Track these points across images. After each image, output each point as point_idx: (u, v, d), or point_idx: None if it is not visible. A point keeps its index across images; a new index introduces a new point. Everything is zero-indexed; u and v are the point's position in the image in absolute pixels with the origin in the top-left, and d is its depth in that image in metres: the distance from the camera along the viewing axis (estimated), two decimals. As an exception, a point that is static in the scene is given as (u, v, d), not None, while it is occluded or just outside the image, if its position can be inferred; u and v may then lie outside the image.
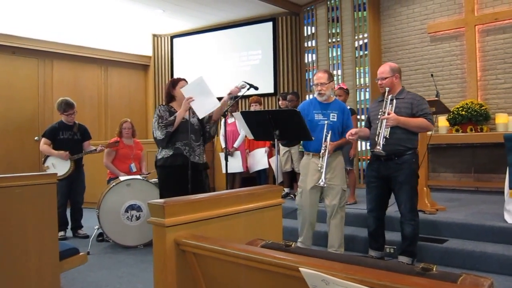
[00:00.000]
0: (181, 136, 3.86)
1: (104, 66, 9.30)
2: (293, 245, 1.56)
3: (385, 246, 4.04)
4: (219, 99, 3.83)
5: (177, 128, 3.84)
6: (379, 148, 3.49)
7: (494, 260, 3.78)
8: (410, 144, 3.65)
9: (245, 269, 1.43)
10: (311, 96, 7.99)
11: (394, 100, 3.63)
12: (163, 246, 1.60)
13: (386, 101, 3.63)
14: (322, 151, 3.81)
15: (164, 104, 4.07)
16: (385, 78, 3.74)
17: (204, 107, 3.73)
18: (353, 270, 1.17)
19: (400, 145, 3.61)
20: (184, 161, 3.82)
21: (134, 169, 5.60)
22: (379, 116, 3.62)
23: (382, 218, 3.91)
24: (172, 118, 3.82)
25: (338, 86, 5.92)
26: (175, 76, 9.69)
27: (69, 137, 5.42)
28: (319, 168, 3.77)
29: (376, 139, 3.56)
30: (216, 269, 1.58)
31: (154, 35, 10.07)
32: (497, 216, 4.37)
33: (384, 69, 3.79)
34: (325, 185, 3.72)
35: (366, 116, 4.12)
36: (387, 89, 3.72)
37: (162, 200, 1.61)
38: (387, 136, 3.53)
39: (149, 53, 10.07)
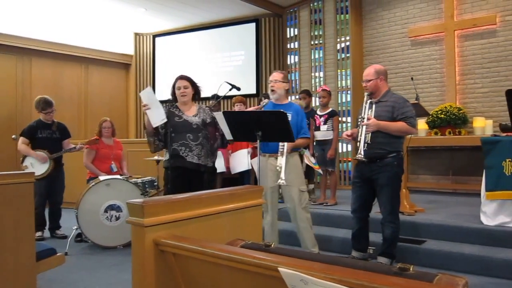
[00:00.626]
0: (177, 137, 3.81)
1: (85, 64, 9.18)
2: (273, 245, 1.56)
3: (369, 247, 4.07)
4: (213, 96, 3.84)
5: (173, 129, 3.81)
6: (360, 156, 3.55)
7: (471, 260, 3.85)
8: (391, 147, 3.68)
9: (225, 269, 1.43)
10: (293, 98, 8.03)
11: (374, 105, 3.68)
12: (141, 247, 1.59)
13: (365, 107, 3.68)
14: (280, 151, 3.85)
15: (171, 100, 4.05)
16: (370, 81, 3.79)
17: (156, 117, 3.73)
18: (331, 270, 1.17)
19: (381, 148, 3.66)
20: (180, 162, 3.78)
21: (115, 169, 5.53)
22: (358, 122, 3.67)
23: (365, 219, 3.95)
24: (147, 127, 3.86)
25: (321, 88, 5.97)
26: (157, 76, 9.73)
27: (47, 136, 5.34)
28: (278, 168, 3.80)
29: (358, 145, 3.61)
30: (195, 270, 1.57)
31: (136, 34, 9.98)
32: (474, 217, 4.45)
33: (369, 72, 3.84)
34: (285, 182, 3.73)
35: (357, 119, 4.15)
36: (365, 93, 3.77)
37: (141, 200, 1.60)
38: (369, 141, 3.58)
39: (131, 52, 9.98)
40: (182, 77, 3.96)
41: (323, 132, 5.66)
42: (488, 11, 6.62)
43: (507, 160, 4.10)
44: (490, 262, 3.75)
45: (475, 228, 4.20)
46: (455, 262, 3.92)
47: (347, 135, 3.84)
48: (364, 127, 3.57)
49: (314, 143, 5.84)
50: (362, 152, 3.55)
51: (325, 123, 5.66)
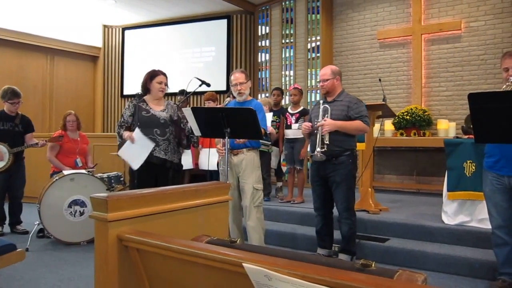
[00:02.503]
0: (144, 132, 3.75)
1: (51, 55, 8.93)
2: (238, 241, 1.56)
3: (334, 245, 4.13)
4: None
5: (140, 124, 3.75)
6: (318, 151, 3.62)
7: (432, 258, 3.96)
8: (346, 145, 3.78)
9: (190, 265, 1.42)
10: (263, 96, 8.06)
11: (328, 107, 3.74)
12: (105, 242, 1.56)
13: (323, 107, 3.77)
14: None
15: (140, 94, 3.94)
16: (326, 80, 3.88)
17: (138, 157, 3.74)
18: (295, 266, 1.19)
19: (337, 146, 3.73)
20: (147, 157, 3.73)
21: (80, 164, 5.40)
22: (315, 123, 3.72)
23: (328, 216, 4.01)
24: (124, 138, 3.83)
25: (293, 86, 6.02)
26: (126, 69, 9.55)
27: (9, 129, 5.15)
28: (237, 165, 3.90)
29: (315, 145, 3.67)
30: (159, 266, 1.55)
31: (105, 26, 9.78)
32: (436, 217, 4.58)
33: (325, 72, 3.93)
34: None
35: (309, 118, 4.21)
36: (321, 101, 3.83)
37: (105, 194, 1.57)
38: (327, 142, 3.64)
39: (99, 44, 9.77)
40: (163, 73, 3.95)
41: (294, 131, 5.69)
42: (453, 17, 6.81)
43: (468, 161, 4.24)
44: (450, 260, 3.87)
45: (437, 227, 4.32)
46: (417, 259, 4.02)
47: (307, 126, 3.90)
48: (320, 128, 3.64)
49: (284, 141, 5.87)
50: (319, 154, 3.61)
51: (296, 121, 5.70)
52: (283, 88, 8.02)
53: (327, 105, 3.79)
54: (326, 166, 3.76)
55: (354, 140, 3.92)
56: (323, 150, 3.63)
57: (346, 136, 3.76)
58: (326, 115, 3.74)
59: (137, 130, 3.75)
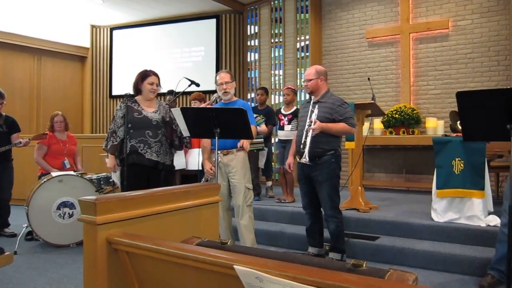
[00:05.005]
0: (136, 133, 3.73)
1: (38, 56, 8.82)
2: (229, 243, 1.56)
3: (324, 244, 4.14)
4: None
5: (132, 125, 3.72)
6: (305, 160, 3.63)
7: (422, 255, 3.99)
8: (329, 146, 3.81)
9: (180, 268, 1.41)
10: (252, 95, 8.06)
11: (316, 108, 3.76)
12: (93, 245, 1.54)
13: (313, 111, 3.76)
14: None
15: (131, 94, 3.91)
16: (310, 80, 3.90)
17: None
18: (286, 267, 1.18)
19: (320, 147, 3.76)
20: (138, 159, 3.70)
21: (68, 165, 5.35)
22: (307, 126, 3.72)
23: (317, 215, 4.03)
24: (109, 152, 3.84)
25: (286, 87, 6.02)
26: (115, 69, 9.48)
27: (-7, 129, 5.07)
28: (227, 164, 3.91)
29: (302, 147, 3.69)
30: (149, 268, 1.54)
31: (93, 26, 9.70)
32: (425, 214, 4.61)
33: (310, 72, 3.95)
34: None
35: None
36: (311, 102, 3.84)
37: (93, 197, 1.55)
38: (309, 144, 3.66)
39: (87, 44, 9.68)
40: (155, 74, 3.90)
41: (287, 132, 5.66)
42: (441, 16, 6.87)
43: (457, 159, 4.27)
44: (440, 257, 3.90)
45: (426, 225, 4.35)
46: (407, 257, 4.05)
47: (290, 167, 4.06)
48: (311, 131, 3.65)
49: (277, 140, 5.85)
50: (307, 156, 3.62)
51: (289, 122, 5.67)
52: (272, 87, 8.04)
53: (316, 107, 3.80)
54: (310, 166, 3.78)
55: (338, 140, 3.95)
56: (303, 151, 3.66)
57: (330, 137, 3.80)
58: (314, 115, 3.74)
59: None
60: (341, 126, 3.77)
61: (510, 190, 2.63)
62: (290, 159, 4.10)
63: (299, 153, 3.77)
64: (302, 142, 3.71)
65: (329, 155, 3.81)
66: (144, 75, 3.87)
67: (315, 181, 3.85)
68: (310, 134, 3.66)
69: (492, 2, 6.51)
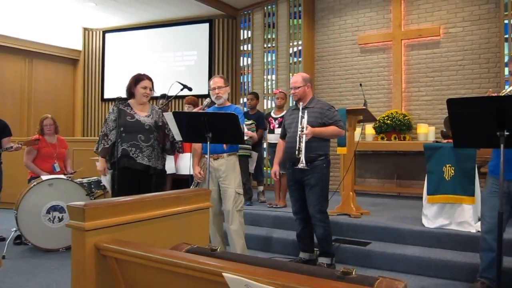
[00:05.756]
0: (128, 137, 3.69)
1: (29, 58, 8.77)
2: (218, 250, 1.55)
3: (315, 249, 4.14)
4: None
5: (124, 129, 3.69)
6: (303, 164, 3.62)
7: (412, 261, 4.00)
8: (321, 150, 3.86)
9: (169, 275, 1.40)
10: (245, 100, 8.05)
11: (306, 114, 3.77)
12: (82, 251, 1.53)
13: (303, 117, 3.77)
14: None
15: (124, 98, 3.86)
16: (298, 88, 3.93)
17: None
18: (275, 275, 1.18)
19: (313, 152, 3.80)
20: (129, 163, 3.67)
21: (58, 169, 5.30)
22: (298, 132, 3.73)
23: (307, 220, 4.02)
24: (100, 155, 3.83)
25: (279, 90, 6.04)
26: (107, 72, 9.44)
27: (-16, 133, 5.03)
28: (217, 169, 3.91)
29: (297, 154, 3.69)
30: (138, 275, 1.52)
31: (85, 29, 9.66)
32: (416, 220, 4.63)
33: (296, 79, 3.98)
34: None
35: (283, 124, 4.22)
36: (300, 109, 3.85)
37: (82, 203, 1.54)
38: (303, 150, 3.67)
39: (79, 47, 9.64)
40: (149, 78, 3.87)
41: (277, 136, 5.65)
42: (433, 23, 6.92)
43: (447, 165, 4.30)
44: (430, 263, 3.92)
45: (417, 230, 4.36)
46: (398, 263, 4.05)
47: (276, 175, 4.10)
48: (304, 136, 3.66)
49: (265, 145, 5.86)
50: (304, 161, 3.63)
51: (279, 126, 5.68)
52: (265, 92, 8.05)
53: (306, 113, 3.81)
54: (301, 170, 3.78)
55: (329, 144, 4.00)
56: (299, 157, 3.66)
57: (321, 142, 3.85)
58: (304, 120, 3.76)
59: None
60: (331, 129, 3.83)
61: (500, 195, 2.64)
62: (275, 167, 4.12)
63: (294, 159, 3.77)
64: (297, 148, 3.71)
65: (321, 159, 3.86)
66: (137, 79, 3.84)
67: (306, 185, 3.86)
68: (304, 139, 3.67)
69: (482, 10, 6.58)
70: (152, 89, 3.89)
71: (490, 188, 3.22)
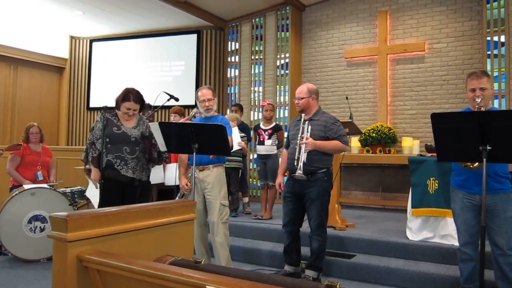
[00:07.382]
0: (113, 148, 3.63)
1: (14, 65, 8.67)
2: (203, 261, 1.54)
3: (301, 262, 4.12)
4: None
5: (110, 139, 3.63)
6: (300, 172, 3.61)
7: (397, 274, 4.01)
8: (322, 164, 3.81)
9: (152, 287, 1.38)
10: (232, 111, 8.04)
11: (309, 125, 3.77)
12: (63, 263, 1.50)
13: (303, 127, 3.77)
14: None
15: (110, 107, 3.78)
16: (302, 98, 3.89)
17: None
18: (259, 288, 1.17)
19: (313, 165, 3.76)
20: (113, 174, 3.62)
21: (41, 177, 5.23)
22: (298, 142, 3.74)
23: (296, 233, 4.00)
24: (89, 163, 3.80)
25: (267, 102, 6.06)
26: (93, 81, 9.37)
27: (-33, 140, 4.95)
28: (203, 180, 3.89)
29: (296, 164, 3.67)
30: (121, 287, 1.50)
31: (72, 37, 9.61)
32: (400, 232, 4.65)
33: (301, 90, 3.93)
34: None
35: (287, 135, 4.21)
36: (303, 115, 3.85)
37: (65, 213, 1.52)
38: (305, 160, 3.66)
39: (66, 55, 9.56)
40: (137, 100, 3.72)
41: (267, 147, 5.69)
42: (418, 38, 7.04)
43: (431, 178, 4.34)
44: (414, 275, 3.93)
45: (401, 243, 4.38)
46: (382, 275, 4.06)
47: (280, 186, 4.06)
48: (303, 145, 3.65)
49: (256, 156, 5.86)
50: (301, 170, 3.62)
51: (269, 137, 5.71)
52: (252, 104, 8.07)
53: (307, 124, 3.79)
54: (302, 183, 3.76)
55: (331, 158, 3.94)
56: (300, 169, 3.64)
57: (323, 155, 3.79)
58: (307, 132, 3.75)
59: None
60: (334, 143, 3.78)
61: (483, 209, 2.67)
62: (280, 179, 4.07)
63: (294, 170, 3.73)
64: (296, 158, 3.69)
65: (322, 172, 3.80)
66: (125, 96, 3.71)
67: (307, 199, 3.81)
68: (303, 148, 3.66)
69: (466, 27, 6.72)
70: (136, 112, 3.77)
71: (461, 203, 3.24)
